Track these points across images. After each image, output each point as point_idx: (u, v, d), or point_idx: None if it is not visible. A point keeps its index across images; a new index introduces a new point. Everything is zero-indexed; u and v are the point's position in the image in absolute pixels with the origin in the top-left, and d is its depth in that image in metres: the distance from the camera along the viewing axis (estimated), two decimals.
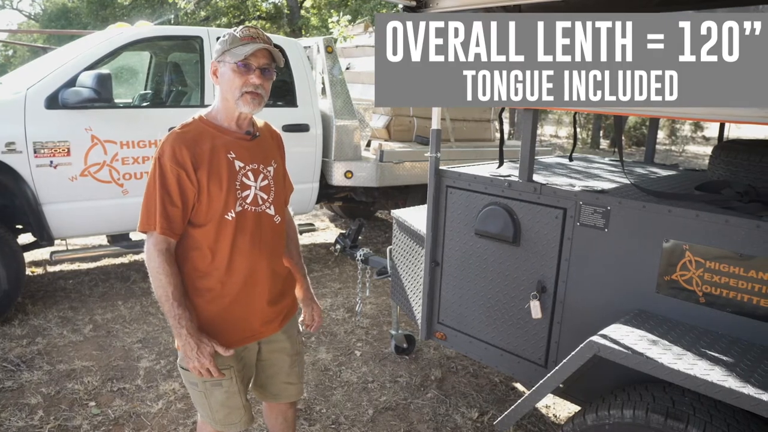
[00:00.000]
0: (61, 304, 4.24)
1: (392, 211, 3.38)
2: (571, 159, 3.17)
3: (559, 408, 3.08)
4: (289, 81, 4.94)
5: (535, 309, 2.17)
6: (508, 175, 2.37)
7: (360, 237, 4.05)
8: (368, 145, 5.72)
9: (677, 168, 3.09)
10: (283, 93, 5.03)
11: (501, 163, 2.61)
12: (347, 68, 6.87)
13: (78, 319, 3.96)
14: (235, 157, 1.70)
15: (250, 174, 1.72)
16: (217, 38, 1.66)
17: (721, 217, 1.74)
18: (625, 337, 1.68)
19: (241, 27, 1.70)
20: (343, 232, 4.16)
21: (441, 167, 2.50)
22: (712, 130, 20.35)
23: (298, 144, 4.85)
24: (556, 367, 1.74)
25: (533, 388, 1.82)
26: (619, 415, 1.65)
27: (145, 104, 4.90)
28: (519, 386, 3.28)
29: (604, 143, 18.77)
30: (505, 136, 6.75)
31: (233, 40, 1.65)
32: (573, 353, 1.69)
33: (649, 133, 3.23)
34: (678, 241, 1.82)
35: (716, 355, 1.60)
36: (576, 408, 3.04)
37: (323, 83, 5.37)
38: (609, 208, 1.97)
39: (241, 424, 1.84)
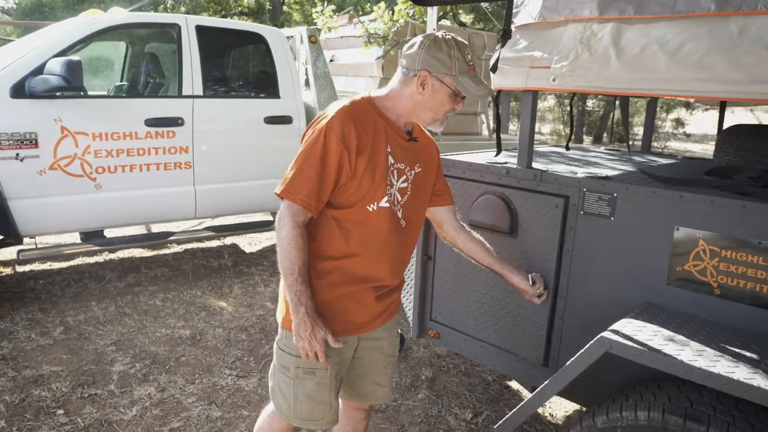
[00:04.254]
0: (30, 305, 4.02)
1: None
2: (567, 148, 3.04)
3: (555, 407, 2.96)
4: (271, 72, 4.78)
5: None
6: (506, 162, 2.23)
7: None
8: None
9: (676, 158, 2.98)
10: (266, 84, 4.85)
11: (499, 151, 2.46)
12: (331, 60, 6.71)
13: (48, 322, 3.75)
14: (390, 152, 1.61)
15: (395, 172, 1.64)
16: (429, 39, 1.57)
17: (737, 203, 1.61)
18: (639, 332, 1.55)
19: (459, 43, 1.58)
20: None
21: None
22: (693, 126, 20.54)
23: (280, 137, 4.70)
24: (564, 367, 1.61)
25: (537, 390, 1.69)
26: (632, 417, 1.52)
27: (118, 94, 4.70)
28: (513, 384, 3.16)
29: (587, 140, 18.81)
30: (492, 127, 6.65)
31: (462, 66, 1.56)
32: (582, 351, 1.56)
33: (646, 121, 3.12)
34: (690, 229, 1.69)
35: (737, 350, 1.47)
36: (574, 406, 2.93)
37: (306, 75, 5.21)
38: (615, 194, 1.84)
39: (323, 423, 1.71)
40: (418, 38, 1.59)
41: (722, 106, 2.83)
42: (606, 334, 1.54)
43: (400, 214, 1.68)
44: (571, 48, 1.88)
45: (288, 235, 1.51)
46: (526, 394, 3.03)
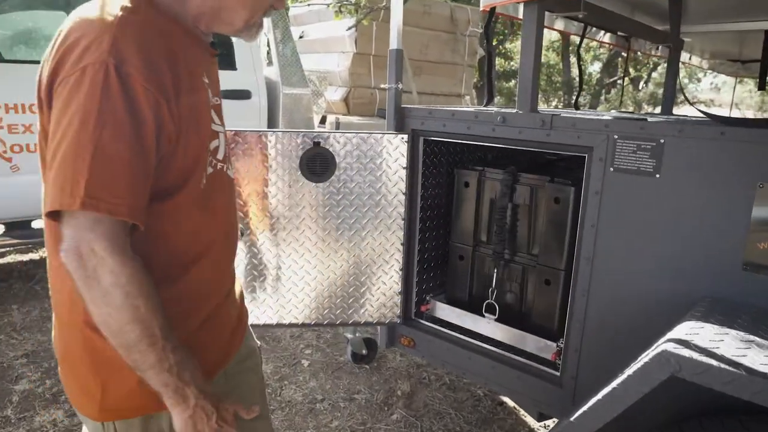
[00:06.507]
0: None
1: None
2: (577, 107, 2.46)
3: None
4: (225, 40, 4.19)
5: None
6: (500, 109, 1.66)
7: None
8: (322, 121, 5.00)
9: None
10: (219, 54, 4.26)
11: (490, 98, 1.88)
12: (300, 37, 6.12)
13: None
14: (208, 84, 1.02)
15: (214, 112, 1.04)
16: None
17: None
18: (719, 343, 0.99)
19: None
20: None
21: (405, 106, 1.77)
22: None
23: (237, 113, 4.11)
24: (603, 397, 1.03)
25: (556, 427, 1.12)
26: None
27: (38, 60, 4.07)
28: (508, 400, 2.60)
29: None
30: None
31: None
32: (631, 374, 0.99)
33: (667, 76, 2.58)
34: None
35: None
36: None
37: (269, 46, 4.64)
38: (662, 141, 1.28)
39: None
40: None
41: (763, 67, 2.33)
42: (668, 347, 0.97)
43: (231, 174, 1.14)
44: None
45: (120, 280, 0.82)
46: (524, 414, 2.48)
